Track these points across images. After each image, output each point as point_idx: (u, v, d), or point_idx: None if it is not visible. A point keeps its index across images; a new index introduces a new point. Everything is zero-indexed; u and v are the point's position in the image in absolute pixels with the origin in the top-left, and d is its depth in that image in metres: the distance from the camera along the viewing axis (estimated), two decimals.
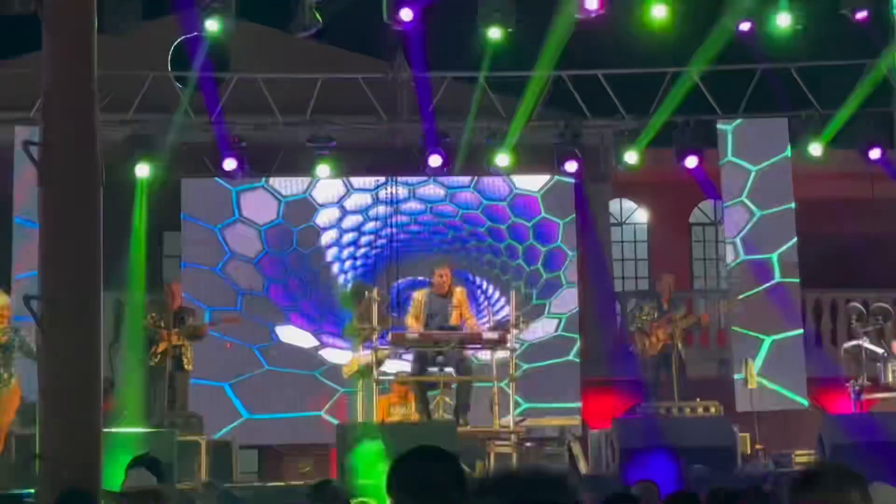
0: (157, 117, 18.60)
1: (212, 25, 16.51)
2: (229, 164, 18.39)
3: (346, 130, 19.02)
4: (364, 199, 19.41)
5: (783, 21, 16.56)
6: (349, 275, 19.08)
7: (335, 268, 19.19)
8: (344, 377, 16.39)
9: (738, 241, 18.36)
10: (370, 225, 19.32)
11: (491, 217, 19.52)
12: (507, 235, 19.46)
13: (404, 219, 19.30)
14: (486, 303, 17.78)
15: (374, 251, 19.16)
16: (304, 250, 19.29)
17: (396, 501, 3.95)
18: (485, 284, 18.96)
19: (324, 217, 19.35)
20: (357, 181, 19.39)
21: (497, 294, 18.74)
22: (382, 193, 19.24)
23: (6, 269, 17.07)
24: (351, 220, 19.40)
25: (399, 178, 19.30)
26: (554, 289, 19.23)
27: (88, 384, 9.96)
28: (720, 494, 7.48)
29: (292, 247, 19.27)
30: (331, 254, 19.30)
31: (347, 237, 19.33)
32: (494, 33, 16.40)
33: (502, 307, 17.61)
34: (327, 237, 19.32)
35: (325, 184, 19.26)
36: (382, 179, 19.34)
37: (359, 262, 19.06)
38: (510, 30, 16.25)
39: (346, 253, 19.27)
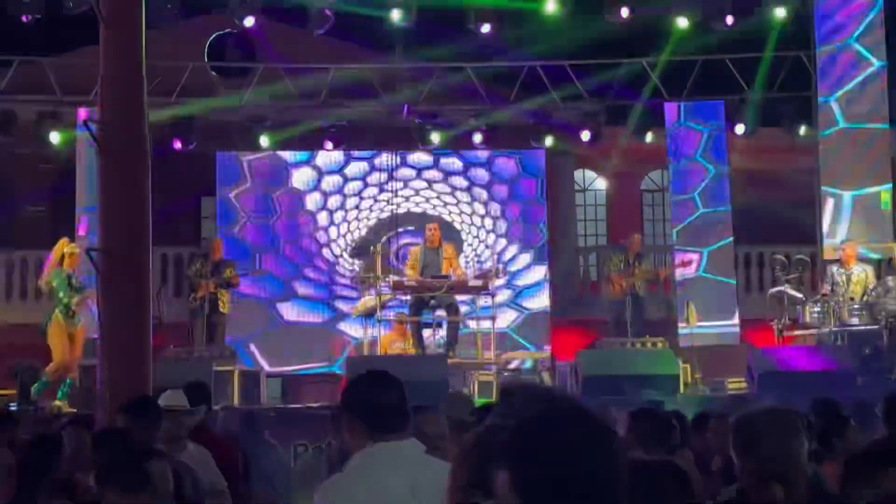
0: (196, 100, 18.82)
1: (244, 23, 16.69)
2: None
3: (353, 111, 19.18)
4: (364, 167, 19.44)
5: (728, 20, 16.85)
6: (355, 234, 19.18)
7: (343, 227, 19.23)
8: (353, 316, 16.53)
9: (696, 195, 18.31)
10: (371, 191, 19.33)
11: (473, 179, 19.59)
12: (488, 195, 19.52)
13: (400, 185, 19.35)
14: (472, 254, 17.93)
15: (373, 212, 19.20)
16: (314, 211, 19.39)
17: (348, 420, 3.96)
18: (470, 238, 19.01)
19: (329, 183, 19.38)
20: (358, 153, 19.43)
21: (481, 247, 18.91)
22: (381, 161, 19.35)
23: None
24: (353, 186, 19.38)
25: (401, 154, 19.36)
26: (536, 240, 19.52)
27: (139, 322, 10.09)
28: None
29: (303, 208, 19.38)
30: (338, 216, 19.28)
31: (351, 201, 19.31)
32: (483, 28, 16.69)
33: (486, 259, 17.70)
34: (334, 201, 19.34)
35: (331, 155, 19.33)
36: (383, 153, 19.35)
37: (362, 222, 19.19)
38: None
39: (351, 215, 19.27)
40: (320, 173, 19.38)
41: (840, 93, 16.92)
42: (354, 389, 4.05)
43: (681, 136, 18.60)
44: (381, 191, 19.30)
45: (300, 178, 19.38)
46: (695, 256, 18.10)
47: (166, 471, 5.47)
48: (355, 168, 19.43)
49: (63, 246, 13.60)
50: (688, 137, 18.54)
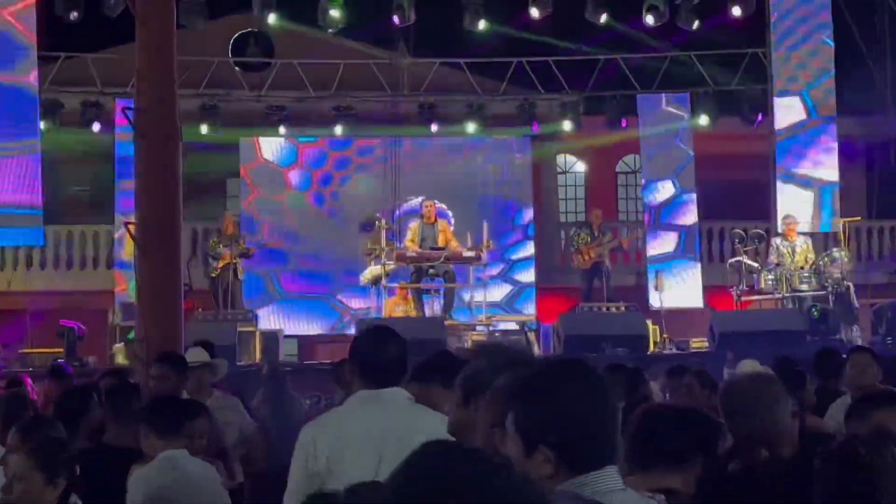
0: (221, 91, 18.81)
1: (265, 21, 16.70)
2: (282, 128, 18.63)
3: (361, 101, 19.18)
4: (371, 150, 19.44)
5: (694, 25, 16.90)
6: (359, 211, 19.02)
7: (347, 205, 19.08)
8: (361, 284, 16.55)
9: (673, 180, 18.32)
10: (375, 170, 19.21)
11: (465, 162, 19.59)
12: (478, 177, 19.52)
13: (400, 166, 19.15)
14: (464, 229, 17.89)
15: (377, 191, 18.95)
16: (332, 187, 19.45)
17: (350, 369, 4.05)
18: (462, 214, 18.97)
19: (337, 164, 19.42)
20: (364, 139, 19.42)
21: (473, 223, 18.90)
22: (384, 145, 19.24)
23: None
24: (358, 167, 19.45)
25: (402, 140, 19.25)
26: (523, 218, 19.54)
27: (172, 287, 10.14)
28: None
29: (321, 190, 19.44)
30: (344, 195, 19.32)
31: (362, 178, 19.39)
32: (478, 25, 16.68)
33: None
34: (340, 180, 19.39)
35: (341, 141, 19.32)
36: (387, 137, 19.25)
37: (370, 200, 19.10)
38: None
39: (357, 193, 19.21)
40: (329, 157, 19.37)
41: (793, 86, 16.98)
42: (359, 342, 4.12)
43: (650, 125, 18.54)
44: (384, 171, 19.19)
45: (312, 160, 19.35)
46: (673, 236, 18.16)
47: (205, 422, 5.51)
48: (360, 150, 19.41)
49: None
50: (657, 126, 18.51)
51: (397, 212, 17.76)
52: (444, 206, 17.82)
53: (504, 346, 3.46)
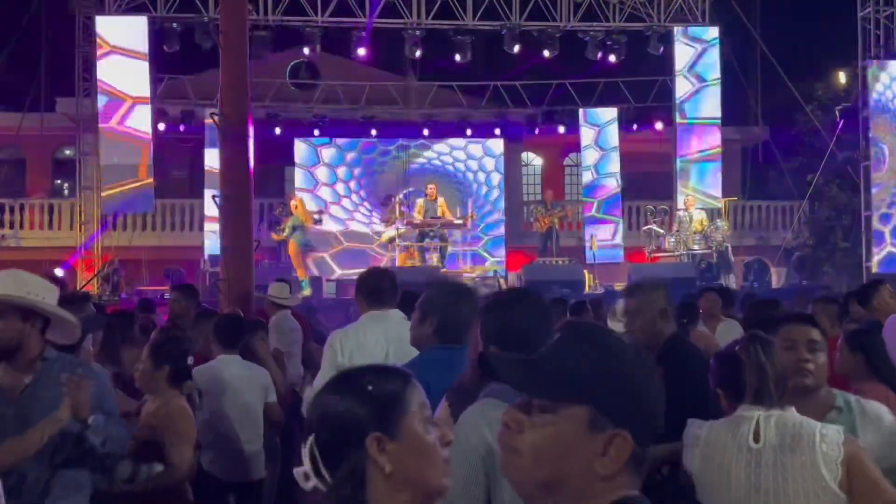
0: (281, 104, 18.66)
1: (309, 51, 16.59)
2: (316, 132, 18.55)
3: (381, 112, 19.04)
4: (389, 149, 19.17)
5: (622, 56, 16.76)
6: (381, 191, 18.91)
7: (372, 186, 18.92)
8: (380, 242, 16.54)
9: (593, 168, 18.25)
10: (392, 162, 19.07)
11: (455, 157, 19.31)
12: (465, 167, 19.28)
13: (410, 160, 19.18)
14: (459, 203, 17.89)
15: (393, 176, 18.87)
16: (358, 178, 19.17)
17: (357, 296, 4.03)
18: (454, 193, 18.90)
19: (365, 158, 19.07)
20: (387, 141, 19.16)
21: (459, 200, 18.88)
22: (398, 145, 19.10)
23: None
24: (381, 159, 19.16)
25: (411, 140, 19.14)
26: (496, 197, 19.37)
27: (245, 242, 10.10)
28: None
29: (355, 178, 19.22)
30: (370, 179, 19.11)
31: (383, 168, 19.17)
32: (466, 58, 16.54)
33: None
34: (369, 172, 19.17)
35: (367, 142, 19.02)
36: (400, 139, 19.10)
37: (388, 184, 18.96)
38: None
39: (380, 180, 19.04)
40: (358, 152, 19.16)
41: (690, 103, 16.91)
42: (361, 279, 4.10)
43: (590, 130, 18.40)
44: (398, 163, 19.11)
45: (346, 155, 19.16)
46: (611, 226, 18.01)
47: (260, 342, 5.47)
48: (382, 148, 19.18)
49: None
50: (593, 131, 18.37)
51: (407, 192, 17.69)
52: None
53: (449, 280, 3.47)
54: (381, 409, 1.44)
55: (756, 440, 2.43)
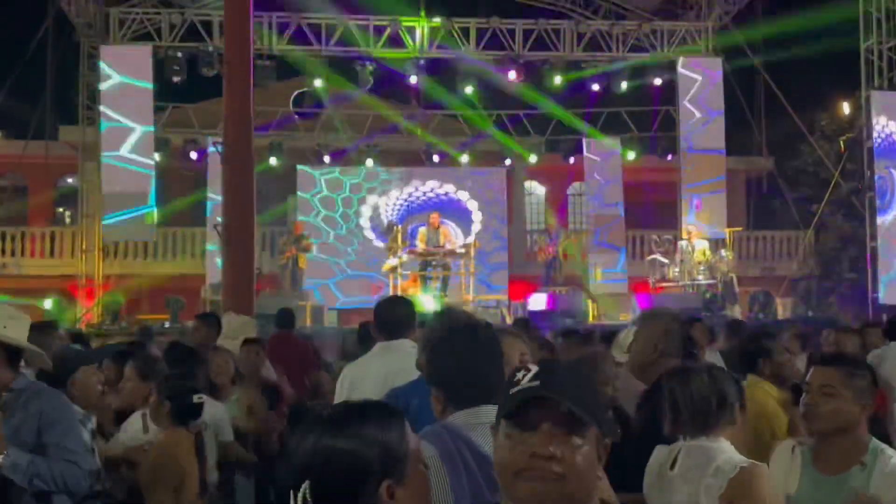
0: (284, 133, 18.74)
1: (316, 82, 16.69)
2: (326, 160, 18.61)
3: (385, 141, 19.13)
4: (390, 177, 19.12)
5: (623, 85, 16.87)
6: (384, 220, 18.93)
7: (374, 217, 18.85)
8: (382, 272, 16.47)
9: (596, 197, 18.35)
10: (394, 192, 19.02)
11: (458, 184, 19.24)
12: (468, 195, 19.21)
13: (413, 189, 19.18)
14: (461, 232, 17.88)
15: (395, 206, 18.95)
16: (361, 207, 19.22)
17: (373, 325, 4.01)
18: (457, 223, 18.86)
19: (366, 188, 19.05)
20: (390, 170, 19.18)
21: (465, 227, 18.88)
22: (401, 173, 19.13)
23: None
24: (382, 189, 19.08)
25: (414, 169, 19.26)
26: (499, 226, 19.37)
27: (247, 271, 10.10)
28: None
29: (358, 206, 19.21)
30: (372, 209, 19.08)
31: (385, 199, 19.12)
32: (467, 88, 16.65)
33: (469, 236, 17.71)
34: (373, 201, 19.15)
35: (370, 171, 19.05)
36: (403, 167, 19.20)
37: (390, 212, 19.07)
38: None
39: (381, 207, 18.95)
40: (360, 181, 19.16)
41: (694, 133, 16.99)
42: (375, 308, 4.04)
43: (593, 159, 18.44)
44: (401, 192, 19.14)
45: (349, 183, 19.19)
46: (615, 255, 17.97)
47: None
48: (385, 177, 19.21)
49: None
50: (597, 160, 18.42)
51: (410, 221, 17.70)
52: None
53: (456, 311, 3.44)
54: (388, 453, 1.37)
55: (672, 467, 2.55)
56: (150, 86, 15.91)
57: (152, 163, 15.92)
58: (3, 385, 2.89)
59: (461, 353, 2.23)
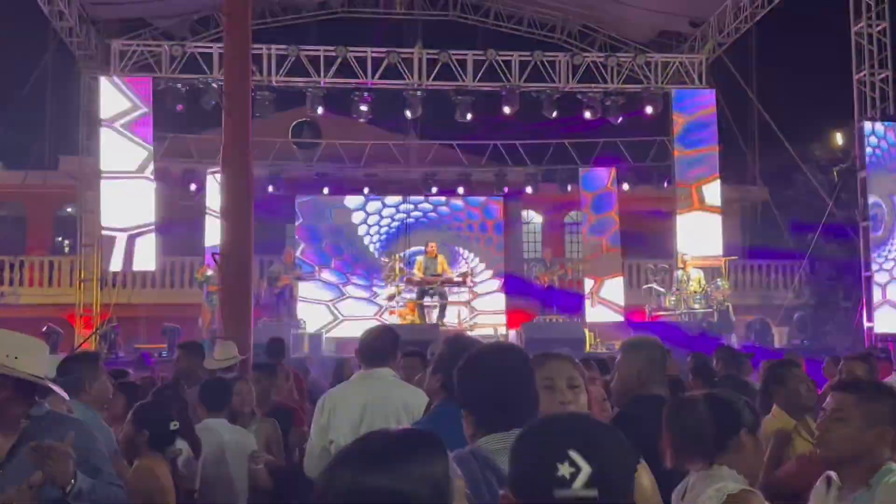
0: (283, 162, 18.86)
1: (312, 112, 16.79)
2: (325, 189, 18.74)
3: (382, 171, 19.23)
4: (387, 206, 19.22)
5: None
6: (381, 249, 18.97)
7: (371, 246, 18.97)
8: (380, 299, 16.51)
9: (592, 226, 18.41)
10: (391, 222, 19.18)
11: (455, 215, 19.44)
12: (465, 225, 19.40)
13: (410, 219, 19.20)
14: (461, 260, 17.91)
15: (393, 235, 18.92)
16: (360, 235, 19.30)
17: (356, 354, 4.00)
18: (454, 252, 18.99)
19: (363, 217, 19.15)
20: (384, 198, 19.24)
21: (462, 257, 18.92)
22: (398, 203, 19.25)
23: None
24: (379, 218, 19.17)
25: (410, 198, 19.36)
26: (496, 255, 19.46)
27: (244, 300, 10.09)
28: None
29: (357, 235, 19.26)
30: (369, 238, 19.18)
31: (383, 228, 19.28)
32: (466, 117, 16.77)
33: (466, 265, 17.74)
34: (371, 230, 19.28)
35: (368, 199, 19.12)
36: (400, 197, 19.34)
37: (385, 241, 19.08)
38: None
39: (378, 237, 19.08)
40: (359, 210, 19.26)
41: (688, 162, 17.10)
42: (360, 337, 4.04)
43: (589, 189, 18.56)
44: (398, 221, 19.20)
45: (347, 213, 19.29)
46: (612, 283, 18.02)
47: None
48: (381, 206, 19.30)
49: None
50: (593, 190, 18.51)
51: (407, 251, 17.75)
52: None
53: (464, 337, 3.43)
54: (437, 491, 1.22)
55: (683, 497, 2.56)
56: (149, 116, 16.03)
57: (151, 192, 15.98)
58: (16, 418, 2.86)
59: (491, 376, 2.17)
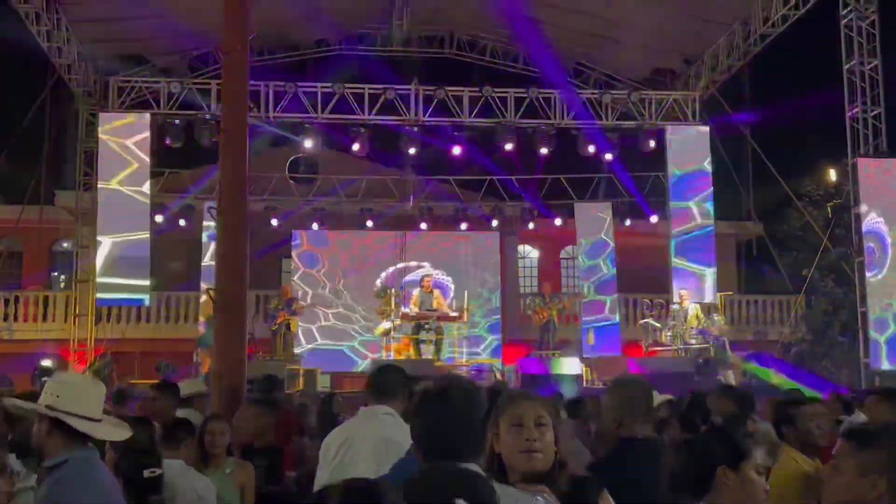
0: (280, 197, 18.88)
1: (307, 147, 16.86)
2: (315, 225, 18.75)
3: (379, 206, 19.25)
4: (382, 240, 19.25)
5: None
6: (376, 283, 19.00)
7: (366, 280, 18.87)
8: (375, 335, 16.44)
9: (588, 260, 18.58)
10: (386, 255, 19.14)
11: (451, 249, 19.39)
12: (463, 260, 19.40)
13: (406, 252, 19.21)
14: (452, 295, 17.85)
15: (388, 269, 19.00)
16: (356, 266, 19.25)
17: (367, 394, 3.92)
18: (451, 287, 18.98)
19: (362, 251, 19.25)
20: (382, 233, 19.25)
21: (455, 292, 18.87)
22: (395, 236, 19.28)
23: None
24: (375, 252, 19.27)
25: (408, 233, 19.29)
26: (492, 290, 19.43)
27: (239, 335, 10.02)
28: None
29: (358, 266, 19.27)
30: (364, 273, 19.16)
31: (379, 261, 19.21)
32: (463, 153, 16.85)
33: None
34: (367, 262, 19.26)
35: (366, 233, 19.20)
36: (397, 231, 19.31)
37: (380, 276, 19.04)
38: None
39: (373, 271, 19.05)
40: (355, 245, 19.25)
41: (683, 198, 17.14)
42: (369, 375, 4.00)
43: (585, 225, 18.60)
44: (394, 256, 19.18)
45: (342, 248, 19.27)
46: (602, 303, 18.07)
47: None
48: (377, 240, 19.29)
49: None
50: (590, 225, 18.55)
51: (402, 284, 17.69)
52: (444, 278, 17.96)
53: (455, 378, 3.34)
54: None
55: None
56: (146, 152, 16.06)
57: (147, 228, 15.95)
58: (49, 456, 2.82)
59: (432, 412, 2.33)
